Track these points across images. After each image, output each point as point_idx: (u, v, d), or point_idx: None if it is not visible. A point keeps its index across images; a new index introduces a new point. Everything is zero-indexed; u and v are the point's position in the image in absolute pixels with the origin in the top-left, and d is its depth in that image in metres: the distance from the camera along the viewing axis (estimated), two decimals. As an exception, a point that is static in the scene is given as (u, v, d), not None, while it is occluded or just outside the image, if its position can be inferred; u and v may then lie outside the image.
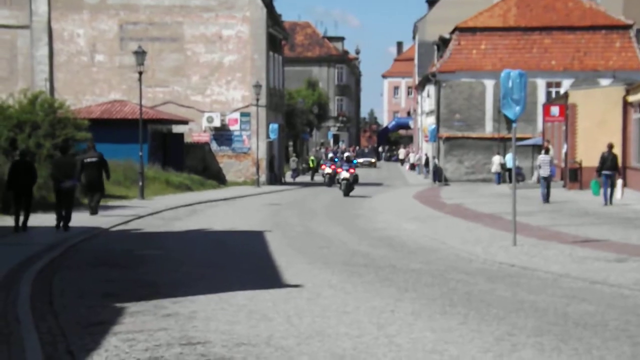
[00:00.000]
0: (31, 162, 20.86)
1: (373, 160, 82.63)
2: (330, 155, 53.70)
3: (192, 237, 20.35)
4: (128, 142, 35.44)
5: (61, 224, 20.54)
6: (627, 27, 51.17)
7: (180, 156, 43.55)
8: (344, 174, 35.90)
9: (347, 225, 22.94)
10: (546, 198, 29.53)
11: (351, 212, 28.21)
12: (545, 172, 29.79)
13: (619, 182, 28.72)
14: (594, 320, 9.56)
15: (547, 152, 31.19)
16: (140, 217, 25.08)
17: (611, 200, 27.36)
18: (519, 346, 8.27)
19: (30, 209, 20.16)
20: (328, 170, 45.80)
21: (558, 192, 35.56)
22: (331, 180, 44.31)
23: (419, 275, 13.25)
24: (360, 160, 75.76)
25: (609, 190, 27.44)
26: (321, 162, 53.85)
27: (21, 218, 19.68)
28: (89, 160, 23.96)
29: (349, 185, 35.69)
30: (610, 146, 27.90)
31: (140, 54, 32.50)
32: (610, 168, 27.35)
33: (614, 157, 27.78)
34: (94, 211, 23.85)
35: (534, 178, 32.27)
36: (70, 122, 30.94)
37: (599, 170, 27.78)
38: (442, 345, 8.33)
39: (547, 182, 29.70)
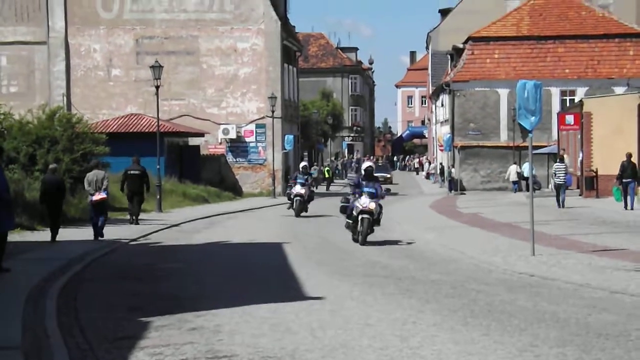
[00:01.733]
0: (61, 179, 22.17)
1: (388, 175, 65.35)
2: (296, 173, 32.32)
3: (211, 249, 20.49)
4: (145, 155, 35.31)
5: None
6: (640, 35, 51.23)
7: (196, 168, 43.75)
8: (362, 208, 20.25)
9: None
10: (562, 204, 31.54)
11: (368, 222, 28.21)
12: (560, 179, 31.76)
13: (639, 188, 30.15)
14: (616, 331, 9.62)
15: (562, 160, 33.00)
16: (159, 230, 25.24)
17: (632, 206, 29.01)
18: (542, 357, 8.35)
19: (59, 223, 21.21)
20: (298, 190, 30.38)
21: (574, 200, 35.59)
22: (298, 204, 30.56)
23: (439, 286, 13.33)
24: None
25: (630, 197, 29.31)
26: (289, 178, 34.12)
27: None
28: (132, 172, 26.92)
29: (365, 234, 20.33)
30: (629, 155, 29.94)
31: (156, 69, 32.75)
32: (630, 176, 29.38)
33: (634, 165, 29.67)
34: (135, 221, 26.26)
35: (551, 186, 32.68)
36: (88, 136, 31.12)
37: (619, 177, 29.81)
38: (466, 356, 8.41)
39: (562, 188, 31.73)
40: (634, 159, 33.81)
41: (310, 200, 30.54)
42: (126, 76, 46.29)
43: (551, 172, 34.44)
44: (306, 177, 30.54)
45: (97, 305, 12.12)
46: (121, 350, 8.96)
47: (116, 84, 46.36)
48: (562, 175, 31.86)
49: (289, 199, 30.83)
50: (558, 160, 33.69)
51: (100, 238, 21.56)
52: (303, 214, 30.36)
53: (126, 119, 43.20)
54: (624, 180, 29.60)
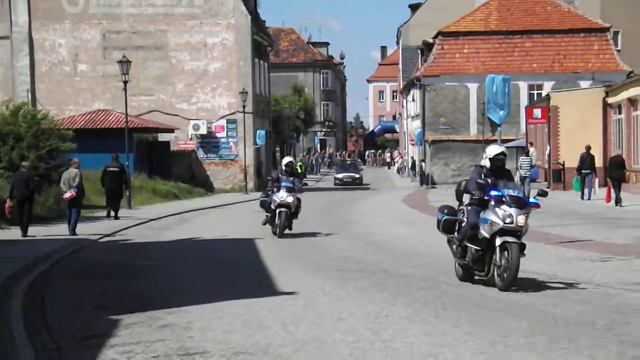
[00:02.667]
0: (30, 175, 22.26)
1: (357, 175, 57.49)
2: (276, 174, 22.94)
3: (182, 246, 20.43)
4: (113, 152, 35.37)
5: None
6: (604, 30, 51.84)
7: (166, 165, 43.49)
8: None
9: (338, 231, 23.05)
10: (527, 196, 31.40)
11: (341, 217, 28.33)
12: (525, 172, 32.86)
13: (596, 180, 31.15)
14: (582, 320, 9.75)
15: (527, 154, 34.49)
16: (128, 227, 25.09)
17: (590, 196, 30.13)
18: (512, 347, 8.43)
19: (29, 218, 21.68)
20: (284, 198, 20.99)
21: (565, 196, 35.79)
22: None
23: (411, 280, 13.40)
24: (339, 176, 58.02)
25: (588, 188, 30.45)
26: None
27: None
28: (111, 169, 28.00)
29: None
30: (588, 147, 30.66)
31: (124, 64, 32.50)
32: (589, 168, 30.38)
33: (592, 157, 30.41)
34: (115, 217, 27.06)
35: (516, 178, 33.39)
36: (54, 133, 30.56)
37: (578, 169, 30.97)
38: (437, 348, 8.48)
39: (527, 181, 32.58)
40: (600, 152, 34.28)
41: (297, 214, 21.36)
42: (93, 71, 45.87)
43: (518, 165, 34.92)
44: (292, 178, 21.33)
45: (64, 304, 12.01)
46: (90, 349, 8.88)
47: (83, 79, 45.94)
48: (527, 167, 33.10)
49: (266, 209, 21.44)
50: (524, 153, 34.58)
51: (72, 235, 21.63)
52: (286, 231, 21.10)
53: (93, 114, 42.85)
54: (582, 172, 30.66)
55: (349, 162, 68.44)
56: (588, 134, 35.15)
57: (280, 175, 21.19)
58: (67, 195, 22.18)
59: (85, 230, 22.96)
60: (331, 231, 23.03)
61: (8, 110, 30.89)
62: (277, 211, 20.63)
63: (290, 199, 20.60)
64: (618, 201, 27.19)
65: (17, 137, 29.51)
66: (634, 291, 11.74)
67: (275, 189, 20.94)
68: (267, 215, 21.39)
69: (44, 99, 44.84)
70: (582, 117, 36.65)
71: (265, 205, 21.40)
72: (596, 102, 36.72)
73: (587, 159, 30.47)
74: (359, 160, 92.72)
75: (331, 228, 24.09)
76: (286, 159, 22.39)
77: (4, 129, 29.72)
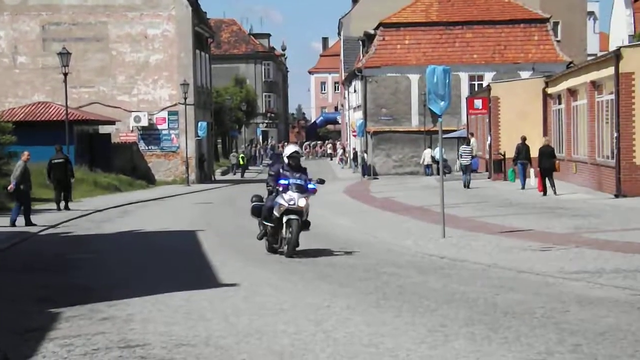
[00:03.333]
0: None
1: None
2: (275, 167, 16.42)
3: (124, 239, 20.27)
4: (54, 144, 34.88)
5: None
6: (544, 21, 52.44)
7: (107, 157, 43.08)
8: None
9: (279, 223, 23.00)
10: (467, 184, 33.70)
11: (282, 209, 28.30)
12: (465, 161, 34.12)
13: (531, 170, 31.20)
14: (522, 309, 9.89)
15: (467, 143, 35.89)
16: (69, 220, 24.84)
17: (523, 186, 30.63)
18: (452, 337, 8.53)
19: None
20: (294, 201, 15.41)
21: (483, 183, 36.37)
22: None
23: (353, 270, 13.48)
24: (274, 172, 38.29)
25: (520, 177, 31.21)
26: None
27: None
28: (56, 161, 28.22)
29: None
30: (524, 138, 31.13)
31: (64, 56, 32.14)
32: (524, 158, 30.86)
33: (527, 148, 30.79)
34: (65, 207, 27.66)
35: (457, 167, 34.23)
36: (-6, 125, 30.34)
37: (514, 160, 31.73)
38: (378, 338, 8.54)
39: (467, 170, 34.03)
40: (540, 142, 34.76)
41: (308, 224, 15.90)
42: (32, 63, 45.26)
43: (458, 154, 35.54)
44: (300, 174, 15.64)
45: (4, 297, 11.86)
46: (29, 342, 8.79)
47: (22, 71, 45.29)
48: (467, 157, 34.29)
49: (265, 217, 15.81)
50: (465, 143, 35.31)
51: (11, 225, 21.83)
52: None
53: (33, 107, 42.28)
54: (518, 162, 31.31)
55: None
56: (528, 124, 35.63)
57: (282, 170, 15.46)
58: (9, 187, 22.39)
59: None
60: (274, 223, 22.99)
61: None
62: (285, 219, 15.13)
63: (302, 203, 15.18)
64: (552, 189, 27.65)
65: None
66: (573, 280, 11.90)
67: (276, 189, 15.37)
68: (264, 226, 15.75)
69: (-18, 91, 44.11)
70: (522, 108, 37.10)
71: (261, 211, 15.84)
72: (536, 92, 37.19)
73: (522, 150, 30.95)
74: (276, 150, 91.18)
75: (274, 219, 24.06)
76: (291, 148, 16.21)
77: (-60, 122, 29.22)
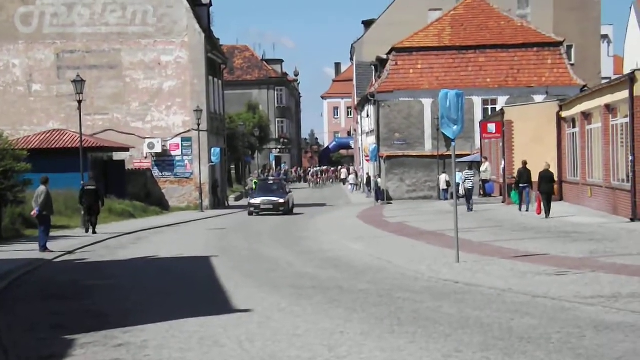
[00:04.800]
0: None
1: (281, 200, 40.80)
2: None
3: (138, 265, 20.29)
4: (68, 171, 35.03)
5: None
6: (557, 44, 52.33)
7: (121, 183, 43.23)
8: None
9: (293, 247, 23.08)
10: (470, 208, 34.76)
11: (296, 233, 28.35)
12: (469, 185, 35.25)
13: (533, 193, 32.12)
14: (537, 334, 9.84)
15: (470, 168, 37.38)
16: (84, 246, 24.90)
17: (528, 208, 31.76)
18: (467, 362, 8.50)
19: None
20: None
21: (497, 207, 36.29)
22: None
23: (366, 296, 13.45)
24: (256, 200, 41.09)
25: (526, 200, 32.28)
26: None
27: None
28: (88, 187, 30.01)
29: None
30: (525, 163, 32.13)
31: (78, 83, 32.31)
32: (526, 182, 31.95)
33: (529, 172, 31.67)
34: (93, 231, 29.16)
35: (461, 191, 34.31)
36: (9, 153, 30.44)
37: (516, 183, 33.04)
38: (392, 364, 8.52)
39: (470, 194, 35.20)
40: (555, 166, 34.73)
41: None
42: (47, 91, 45.60)
43: (461, 178, 35.71)
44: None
45: (21, 324, 11.90)
46: (46, 370, 8.83)
47: (37, 99, 45.63)
48: (471, 181, 35.56)
49: None
50: (467, 167, 37.66)
51: (43, 251, 22.40)
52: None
53: (48, 134, 42.52)
54: (520, 185, 32.42)
55: (271, 182, 49.99)
56: (542, 148, 35.57)
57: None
58: (32, 213, 23.19)
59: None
60: (286, 247, 23.05)
61: (-37, 131, 30.64)
62: None
63: None
64: (547, 213, 28.70)
65: (-28, 158, 29.20)
66: (589, 305, 11.82)
67: None
68: None
69: (-2, 119, 44.50)
70: (536, 131, 37.03)
71: None
72: (550, 116, 37.12)
73: (524, 174, 31.98)
74: (289, 175, 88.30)
75: (286, 244, 24.11)
76: None
77: (-41, 150, 29.41)
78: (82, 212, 30.36)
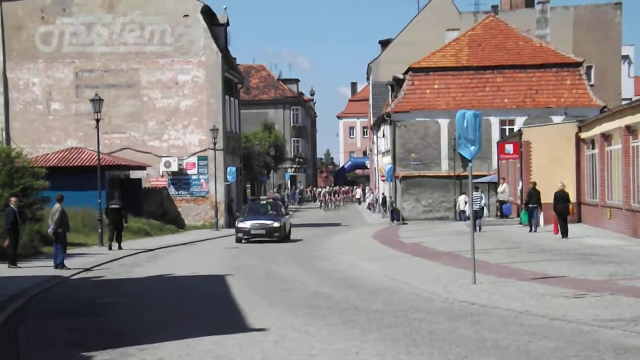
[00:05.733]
0: (15, 211, 23.63)
1: (277, 225, 34.46)
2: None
3: (154, 283, 20.31)
4: (86, 189, 35.25)
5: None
6: (577, 65, 52.10)
7: (138, 202, 43.33)
8: None
9: (308, 267, 23.04)
10: (479, 228, 34.73)
11: (311, 253, 28.32)
12: (477, 206, 34.64)
13: (541, 214, 33.28)
14: (555, 357, 9.76)
15: (476, 189, 36.74)
16: (101, 264, 24.98)
17: (536, 229, 32.37)
18: (484, 384, 8.44)
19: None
20: None
21: (514, 228, 36.12)
22: None
23: (381, 316, 13.39)
24: (245, 225, 34.56)
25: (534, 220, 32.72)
26: None
27: None
28: (113, 206, 31.34)
29: None
30: (534, 183, 33.25)
31: (97, 102, 32.52)
32: (535, 202, 32.43)
33: (538, 192, 32.32)
34: (118, 247, 30.42)
35: (468, 213, 34.31)
36: (28, 171, 30.87)
37: (526, 204, 33.54)
38: (409, 385, 8.47)
39: (478, 215, 34.86)
40: (573, 187, 34.63)
41: None
42: (66, 110, 45.93)
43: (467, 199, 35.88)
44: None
45: (38, 341, 11.93)
46: (62, 387, 8.83)
47: (56, 117, 45.95)
48: (479, 202, 35.53)
49: None
50: (473, 189, 36.21)
51: (60, 269, 22.72)
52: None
53: (66, 152, 42.76)
54: (529, 206, 32.86)
55: (263, 202, 40.90)
56: (561, 169, 35.46)
57: None
58: (49, 230, 23.71)
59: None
60: (301, 267, 23.01)
61: (-17, 150, 30.99)
62: None
63: None
64: (564, 234, 29.00)
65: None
66: (608, 328, 11.71)
67: None
68: None
69: (18, 137, 44.94)
70: (554, 153, 36.89)
71: None
72: (569, 137, 36.97)
73: (533, 195, 32.45)
74: (304, 195, 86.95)
75: (301, 264, 24.07)
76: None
77: (-22, 168, 29.75)
78: (109, 230, 31.19)
